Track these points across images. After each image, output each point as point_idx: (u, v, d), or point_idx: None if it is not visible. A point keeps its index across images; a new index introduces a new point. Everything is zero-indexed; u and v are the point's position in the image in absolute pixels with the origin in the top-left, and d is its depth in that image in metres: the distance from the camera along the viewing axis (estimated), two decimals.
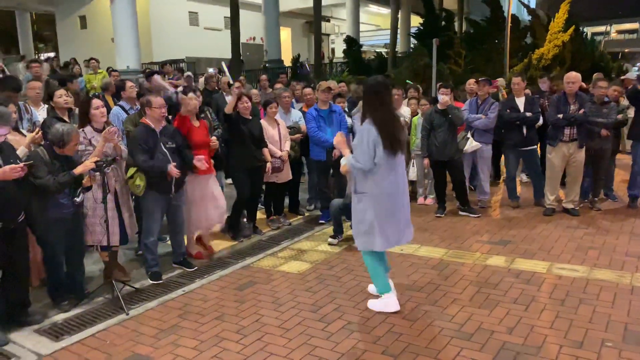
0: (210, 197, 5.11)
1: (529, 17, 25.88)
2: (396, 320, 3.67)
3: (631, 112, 9.14)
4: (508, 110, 6.37)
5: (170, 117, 5.05)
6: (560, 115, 5.89)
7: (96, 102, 4.37)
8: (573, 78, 5.90)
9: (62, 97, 4.73)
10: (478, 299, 3.99)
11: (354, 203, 3.86)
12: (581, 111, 5.86)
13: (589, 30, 38.25)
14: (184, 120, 4.94)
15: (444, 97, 6.06)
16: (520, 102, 6.33)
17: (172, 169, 4.36)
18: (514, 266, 4.63)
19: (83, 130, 4.28)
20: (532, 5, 33.14)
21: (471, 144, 6.44)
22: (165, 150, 4.48)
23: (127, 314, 3.91)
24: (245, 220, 5.87)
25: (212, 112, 5.86)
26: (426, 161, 6.38)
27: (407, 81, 9.91)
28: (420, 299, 4.02)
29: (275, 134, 5.94)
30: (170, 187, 4.54)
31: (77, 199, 3.96)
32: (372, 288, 4.11)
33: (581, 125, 5.93)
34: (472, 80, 7.48)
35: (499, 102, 6.65)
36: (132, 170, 4.42)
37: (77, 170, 3.83)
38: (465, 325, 3.57)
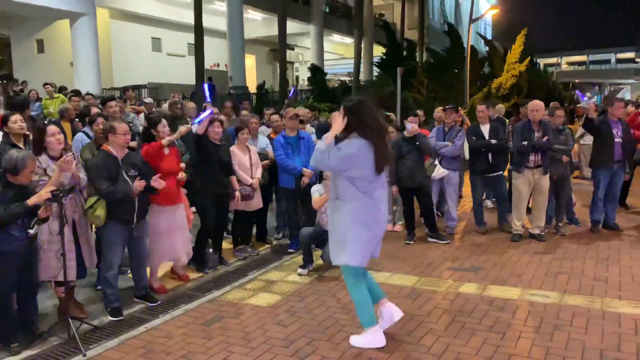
0: (178, 228, 4.91)
1: (486, 48, 27.01)
2: (372, 353, 3.54)
3: (587, 140, 9.57)
4: (474, 137, 6.48)
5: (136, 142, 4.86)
6: (525, 142, 6.01)
7: (52, 128, 4.13)
8: (537, 106, 6.06)
9: (16, 122, 4.48)
10: (453, 328, 3.91)
11: (330, 212, 3.67)
12: (545, 138, 6.00)
13: (541, 62, 40.26)
14: (160, 149, 4.72)
15: (413, 126, 6.10)
16: (485, 129, 6.47)
17: (138, 183, 4.15)
18: (486, 293, 4.60)
19: (38, 159, 4.03)
20: (489, 36, 34.60)
21: (438, 171, 6.49)
22: (127, 178, 4.27)
23: (84, 355, 3.62)
24: (210, 250, 5.65)
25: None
26: (394, 188, 6.36)
27: (386, 113, 9.96)
28: (395, 330, 3.89)
29: (246, 160, 5.81)
30: (132, 216, 4.31)
31: (31, 231, 3.67)
32: (354, 340, 3.71)
33: (545, 152, 6.07)
34: (439, 108, 7.61)
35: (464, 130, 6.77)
36: (91, 200, 4.18)
37: (31, 201, 3.58)
38: (443, 356, 3.48)
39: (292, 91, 12.39)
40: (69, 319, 3.83)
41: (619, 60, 68.13)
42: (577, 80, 59.58)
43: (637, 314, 4.05)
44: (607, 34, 68.28)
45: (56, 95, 11.89)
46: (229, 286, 4.98)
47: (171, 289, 4.90)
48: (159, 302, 4.57)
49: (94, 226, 4.51)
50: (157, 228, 4.76)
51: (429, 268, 5.37)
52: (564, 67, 67.64)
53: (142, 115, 8.31)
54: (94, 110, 5.52)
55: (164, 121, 4.94)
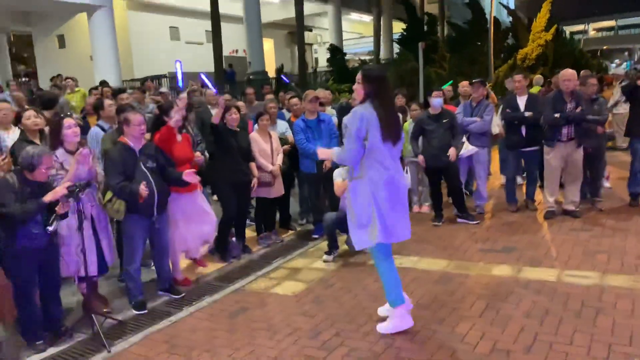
0: (198, 215, 4.81)
1: (509, 19, 26.09)
2: (403, 344, 3.38)
3: (620, 109, 9.11)
4: (508, 110, 6.15)
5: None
6: (557, 115, 5.69)
7: (68, 121, 4.05)
8: (569, 76, 5.71)
9: (30, 118, 4.41)
10: (488, 314, 3.72)
11: (349, 193, 3.51)
12: (578, 109, 5.66)
13: (567, 30, 38.79)
14: (170, 133, 4.63)
15: (440, 100, 5.86)
16: (521, 100, 6.10)
17: (142, 189, 3.99)
18: (521, 275, 4.38)
19: (54, 153, 3.97)
20: (511, 6, 33.41)
21: (467, 148, 6.21)
22: (145, 170, 4.17)
23: (109, 351, 3.57)
24: (233, 239, 5.55)
25: (194, 127, 5.55)
26: (421, 158, 6.07)
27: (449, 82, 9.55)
28: (426, 318, 3.73)
29: (267, 147, 5.66)
30: (152, 209, 4.22)
31: (50, 228, 3.61)
32: (382, 310, 3.75)
33: (578, 124, 5.73)
34: (465, 83, 7.29)
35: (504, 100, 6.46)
36: (109, 194, 4.10)
37: (47, 197, 3.50)
38: (479, 345, 3.29)
39: (283, 78, 12.21)
40: (93, 315, 3.78)
41: None
42: (605, 47, 57.32)
43: None
44: None
45: (77, 89, 11.96)
46: (253, 275, 4.88)
47: (194, 280, 4.82)
48: (183, 294, 4.49)
49: (114, 220, 4.45)
50: (175, 216, 4.67)
51: (459, 250, 5.16)
52: (592, 34, 65.09)
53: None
54: (108, 102, 5.40)
55: (175, 107, 4.81)
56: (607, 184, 6.96)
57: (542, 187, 6.47)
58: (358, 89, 3.42)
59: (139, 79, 16.91)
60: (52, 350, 3.64)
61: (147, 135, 4.87)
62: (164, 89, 10.10)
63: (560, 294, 3.95)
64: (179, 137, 4.72)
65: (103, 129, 5.11)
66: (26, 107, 6.55)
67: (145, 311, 4.18)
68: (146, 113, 7.01)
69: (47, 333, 3.78)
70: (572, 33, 45.22)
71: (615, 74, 11.34)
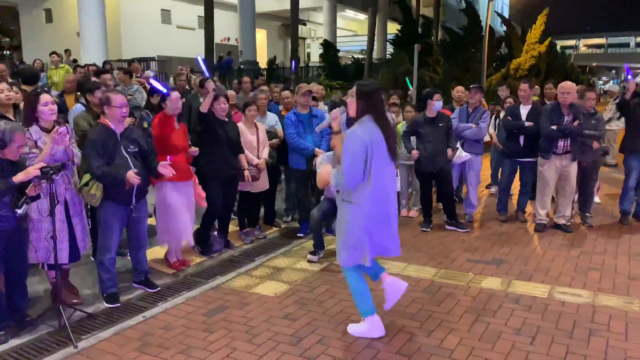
0: (188, 206, 4.64)
1: (503, 28, 26.16)
2: (388, 356, 3.22)
3: (614, 125, 9.09)
4: (509, 118, 6.03)
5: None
6: (554, 127, 5.58)
7: (45, 97, 3.77)
8: (568, 88, 5.59)
9: (4, 92, 4.13)
10: (477, 328, 3.57)
11: (339, 212, 3.38)
12: (576, 122, 5.56)
13: (559, 44, 39.17)
14: (169, 121, 4.46)
15: (439, 104, 5.72)
16: (524, 110, 5.97)
17: (132, 176, 3.78)
18: (511, 289, 4.25)
19: (28, 129, 3.70)
20: (505, 16, 33.56)
21: (460, 154, 6.08)
22: (125, 155, 3.93)
23: (76, 347, 3.33)
24: (215, 232, 5.33)
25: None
26: (415, 153, 5.83)
27: (407, 81, 9.46)
28: (413, 329, 3.57)
29: (253, 139, 5.44)
30: (130, 197, 3.98)
31: (19, 211, 3.35)
32: (352, 328, 3.53)
33: (575, 137, 5.63)
34: (459, 88, 7.15)
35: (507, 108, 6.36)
36: (87, 177, 3.85)
37: (17, 177, 3.24)
38: None
39: (293, 63, 11.98)
40: (60, 306, 3.53)
41: (638, 44, 66.29)
42: (594, 64, 58.17)
43: None
44: (627, 17, 66.23)
45: (61, 65, 11.55)
46: (234, 272, 4.67)
47: (171, 274, 4.59)
48: (159, 288, 4.27)
49: (88, 205, 4.20)
50: (172, 204, 4.51)
51: (448, 259, 5.02)
52: (582, 49, 66.00)
53: (141, 88, 7.91)
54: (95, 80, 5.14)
55: (174, 94, 4.60)
56: (596, 199, 6.90)
57: (533, 198, 6.36)
58: (352, 103, 3.27)
59: (125, 60, 16.46)
60: (14, 342, 3.39)
61: (129, 120, 4.65)
62: (150, 72, 9.76)
63: (551, 311, 3.82)
64: (176, 125, 4.53)
65: (87, 108, 4.83)
66: (8, 80, 6.25)
67: (118, 305, 3.95)
68: (128, 94, 6.74)
69: (10, 323, 3.53)
70: (563, 47, 45.74)
71: (610, 91, 11.35)
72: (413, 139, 5.99)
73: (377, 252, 3.36)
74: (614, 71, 61.82)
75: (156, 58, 18.45)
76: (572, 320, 3.67)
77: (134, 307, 3.94)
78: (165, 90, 4.64)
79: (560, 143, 5.65)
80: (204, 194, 4.98)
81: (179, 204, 4.59)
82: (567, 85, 5.69)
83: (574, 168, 5.75)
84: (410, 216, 6.56)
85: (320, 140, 5.72)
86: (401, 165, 6.48)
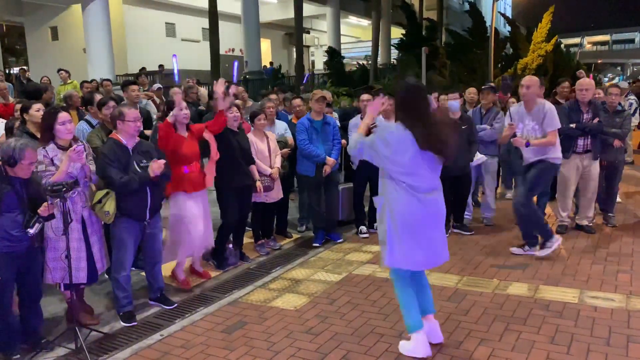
0: (203, 216, 4.52)
1: (508, 28, 26.01)
2: None
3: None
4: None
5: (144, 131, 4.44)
6: (573, 125, 5.43)
7: (63, 116, 3.68)
8: (587, 85, 5.46)
9: (39, 110, 4.10)
10: (508, 338, 3.42)
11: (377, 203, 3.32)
12: (596, 120, 5.42)
13: (564, 42, 38.93)
14: (169, 129, 4.29)
15: (456, 103, 5.59)
16: None
17: (155, 165, 3.73)
18: (540, 295, 4.09)
19: (44, 147, 3.63)
20: (509, 15, 33.43)
21: (477, 157, 5.94)
22: (138, 169, 3.83)
23: None
24: (230, 245, 5.22)
25: None
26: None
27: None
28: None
29: (264, 148, 5.34)
30: (144, 211, 3.89)
31: (31, 231, 3.27)
32: (402, 347, 3.32)
33: (595, 135, 5.48)
34: (472, 89, 7.02)
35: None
36: (99, 194, 3.76)
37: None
38: None
39: (306, 76, 11.91)
40: (77, 328, 3.43)
41: None
42: (599, 61, 57.74)
43: None
44: (631, 12, 65.86)
45: (69, 81, 11.58)
46: (251, 285, 4.55)
47: (188, 290, 4.48)
48: (176, 304, 4.16)
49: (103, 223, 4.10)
50: (184, 217, 4.37)
51: (470, 265, 4.88)
52: (587, 47, 65.59)
53: (150, 102, 7.87)
54: (98, 96, 5.07)
55: (183, 103, 4.51)
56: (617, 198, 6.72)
57: (553, 199, 6.21)
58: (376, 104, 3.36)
59: (132, 75, 16.50)
60: None
61: (148, 132, 4.58)
62: (157, 85, 9.72)
63: (584, 317, 3.67)
64: (184, 133, 4.42)
65: (91, 125, 4.77)
66: (11, 98, 6.22)
67: (135, 323, 3.84)
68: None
69: (25, 345, 3.43)
70: (568, 45, 45.49)
71: (621, 87, 11.16)
72: None
73: (400, 261, 3.18)
74: (619, 68, 61.34)
75: (163, 71, 18.49)
76: (607, 327, 3.51)
77: (151, 326, 3.83)
78: (177, 79, 4.61)
79: (580, 141, 5.50)
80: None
81: (194, 215, 4.45)
82: (586, 82, 5.56)
83: (595, 167, 5.60)
84: None
85: (332, 148, 5.61)
86: None
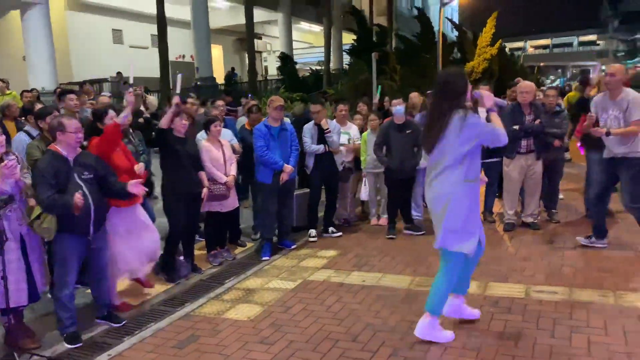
0: (139, 230, 4.34)
1: (455, 33, 26.82)
2: None
3: None
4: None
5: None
6: (517, 127, 5.63)
7: None
8: (526, 88, 5.68)
9: None
10: (461, 336, 3.49)
11: (457, 197, 3.36)
12: (537, 121, 5.64)
13: (508, 46, 40.54)
14: (117, 132, 4.13)
15: (401, 108, 5.70)
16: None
17: (77, 198, 3.49)
18: (489, 292, 4.20)
19: None
20: (456, 21, 34.45)
21: (425, 159, 6.05)
22: (79, 182, 3.67)
23: None
24: (181, 257, 5.09)
25: (136, 136, 5.04)
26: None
27: (379, 89, 9.43)
28: (394, 342, 3.46)
29: (219, 156, 5.24)
30: (88, 226, 3.72)
31: None
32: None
33: (537, 136, 5.70)
34: (415, 94, 7.19)
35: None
36: (37, 210, 3.57)
37: None
38: None
39: (249, 95, 11.95)
40: (15, 352, 3.24)
41: (581, 43, 69.38)
42: (541, 64, 60.42)
43: None
44: (569, 17, 69.32)
45: (7, 92, 11.02)
46: (204, 298, 4.44)
47: (137, 305, 4.32)
48: (124, 321, 4.00)
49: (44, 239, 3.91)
50: (116, 231, 4.18)
51: (422, 265, 4.96)
52: (530, 50, 68.51)
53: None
54: (39, 106, 4.84)
55: (111, 112, 4.36)
56: (559, 195, 7.01)
57: (499, 198, 6.42)
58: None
59: (77, 83, 15.91)
60: None
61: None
62: (104, 95, 9.39)
63: (531, 311, 3.79)
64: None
65: (31, 136, 4.54)
66: None
67: (80, 344, 3.66)
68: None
69: None
70: (512, 49, 47.35)
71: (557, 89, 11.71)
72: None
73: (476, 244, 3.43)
74: (560, 70, 64.39)
75: (109, 79, 17.94)
76: (552, 320, 3.64)
77: (98, 346, 3.66)
78: (130, 88, 4.49)
79: (524, 142, 5.72)
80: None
81: (126, 231, 4.22)
82: (526, 84, 5.78)
83: (538, 166, 5.82)
84: (380, 224, 6.47)
85: (290, 155, 5.57)
86: (369, 173, 6.42)
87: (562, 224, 6.06)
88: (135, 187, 3.80)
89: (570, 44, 69.95)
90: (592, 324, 3.55)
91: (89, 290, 4.15)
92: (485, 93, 3.52)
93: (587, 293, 4.06)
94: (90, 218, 3.72)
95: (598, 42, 66.35)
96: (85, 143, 4.45)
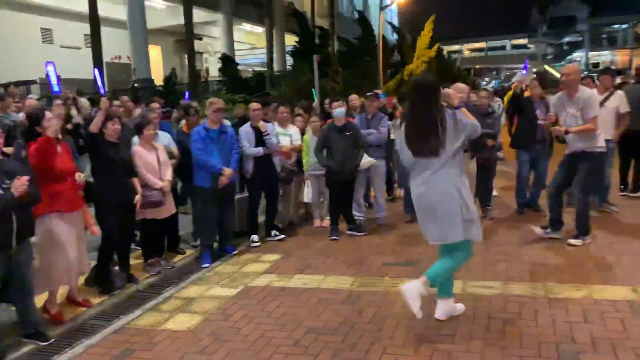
0: (78, 239, 4.15)
1: (395, 36, 27.44)
2: None
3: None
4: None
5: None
6: None
7: None
8: (461, 89, 5.83)
9: None
10: (400, 335, 3.54)
11: (462, 189, 3.52)
12: None
13: (445, 49, 41.97)
14: (50, 144, 3.91)
15: (341, 110, 5.74)
16: None
17: (18, 183, 3.31)
18: (428, 290, 4.27)
19: None
20: (395, 24, 35.26)
21: (366, 160, 6.13)
22: (0, 191, 3.42)
23: None
24: (116, 267, 4.87)
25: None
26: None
27: (313, 92, 9.45)
28: (336, 344, 3.46)
29: (153, 161, 5.05)
30: (9, 239, 3.48)
31: None
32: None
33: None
34: (354, 96, 7.28)
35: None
36: None
37: None
38: None
39: (186, 95, 11.78)
40: None
41: (513, 46, 72.92)
42: (477, 66, 63.01)
43: (580, 298, 3.92)
44: (502, 23, 72.76)
45: None
46: (139, 309, 4.26)
47: (68, 320, 4.08)
48: (53, 339, 3.76)
49: None
50: (58, 239, 3.98)
51: (364, 265, 5.00)
52: (466, 53, 71.26)
53: (21, 114, 7.13)
54: None
55: (48, 114, 4.11)
56: (494, 192, 7.30)
57: None
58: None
59: (1, 84, 14.96)
60: None
61: (9, 150, 4.13)
62: (33, 96, 8.86)
63: (467, 306, 3.89)
64: (58, 148, 4.03)
65: None
66: None
67: None
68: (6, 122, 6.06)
69: None
70: (449, 52, 49.11)
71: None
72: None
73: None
74: (494, 72, 67.39)
75: (38, 81, 16.97)
76: (487, 313, 3.77)
77: None
78: (57, 89, 4.21)
79: None
80: (92, 221, 4.53)
81: (69, 237, 4.06)
82: (460, 86, 5.90)
83: (472, 165, 6.02)
84: (324, 226, 6.49)
85: (229, 158, 5.46)
86: (311, 175, 6.41)
87: (496, 220, 6.30)
88: (18, 182, 3.40)
89: (503, 47, 73.37)
90: (524, 316, 3.70)
91: (14, 308, 3.88)
92: (451, 92, 3.64)
93: (520, 286, 4.22)
94: (12, 230, 3.47)
95: (529, 45, 69.93)
96: (7, 150, 4.22)
